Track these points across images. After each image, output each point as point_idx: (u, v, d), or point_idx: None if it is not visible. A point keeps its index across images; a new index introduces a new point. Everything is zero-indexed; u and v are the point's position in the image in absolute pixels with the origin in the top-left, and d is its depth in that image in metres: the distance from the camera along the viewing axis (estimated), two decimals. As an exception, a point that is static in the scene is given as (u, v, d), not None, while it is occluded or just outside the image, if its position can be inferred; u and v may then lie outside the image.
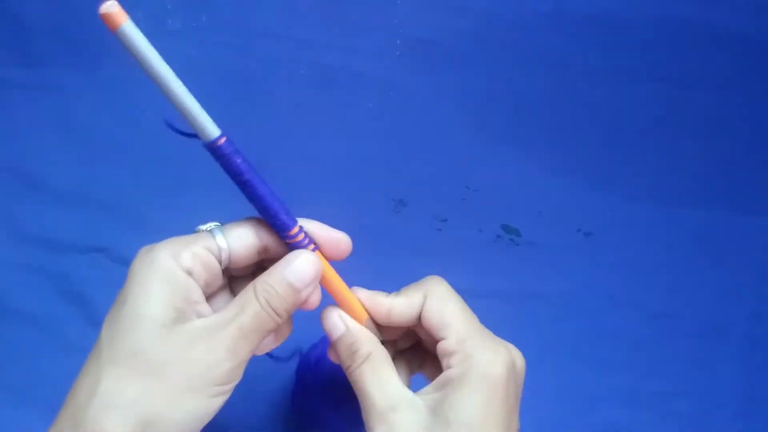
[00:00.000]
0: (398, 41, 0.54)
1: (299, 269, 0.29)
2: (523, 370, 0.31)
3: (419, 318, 0.31)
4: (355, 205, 0.51)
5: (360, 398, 0.30)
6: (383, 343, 0.32)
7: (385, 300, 0.32)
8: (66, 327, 0.47)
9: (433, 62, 0.54)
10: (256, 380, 0.47)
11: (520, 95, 0.54)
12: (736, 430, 0.50)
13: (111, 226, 0.49)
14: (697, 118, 0.55)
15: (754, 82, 0.56)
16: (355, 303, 0.32)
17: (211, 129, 0.28)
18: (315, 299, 0.31)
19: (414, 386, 0.31)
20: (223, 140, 0.28)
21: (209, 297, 0.31)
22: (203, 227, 0.31)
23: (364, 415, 0.30)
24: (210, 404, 0.27)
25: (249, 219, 0.31)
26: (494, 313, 0.42)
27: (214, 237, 0.30)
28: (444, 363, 0.30)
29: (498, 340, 0.31)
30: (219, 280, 0.31)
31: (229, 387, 0.28)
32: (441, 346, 0.30)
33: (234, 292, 0.33)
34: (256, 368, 0.34)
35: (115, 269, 0.48)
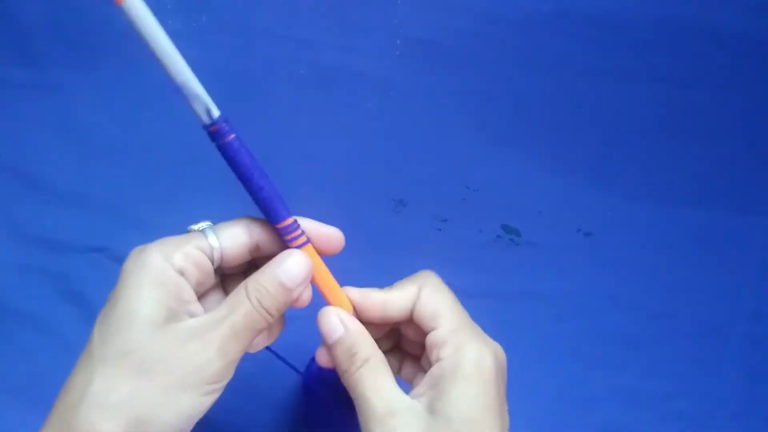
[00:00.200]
0: (398, 41, 0.54)
1: (290, 269, 0.29)
2: (506, 363, 0.31)
3: (412, 311, 0.31)
4: (355, 205, 0.51)
5: (357, 402, 0.30)
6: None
7: (379, 295, 0.32)
8: (66, 327, 0.47)
9: (433, 62, 0.54)
10: (262, 384, 0.47)
11: (520, 95, 0.54)
12: (736, 430, 0.50)
13: (111, 226, 0.49)
14: (697, 118, 0.55)
15: (754, 82, 0.56)
16: (347, 303, 0.32)
17: (212, 109, 0.27)
18: (306, 297, 0.31)
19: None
20: (221, 121, 0.28)
21: (201, 296, 0.31)
22: (195, 227, 0.31)
23: (361, 420, 0.29)
24: (201, 402, 0.27)
25: (241, 218, 0.31)
26: (494, 313, 0.42)
27: (206, 237, 0.30)
28: (434, 355, 0.30)
29: (483, 335, 0.31)
30: (211, 279, 0.31)
31: (220, 385, 0.28)
32: (432, 337, 0.30)
33: (226, 291, 0.33)
34: (263, 372, 0.34)
35: (115, 269, 0.47)
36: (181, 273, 0.29)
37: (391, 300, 0.32)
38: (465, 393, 0.28)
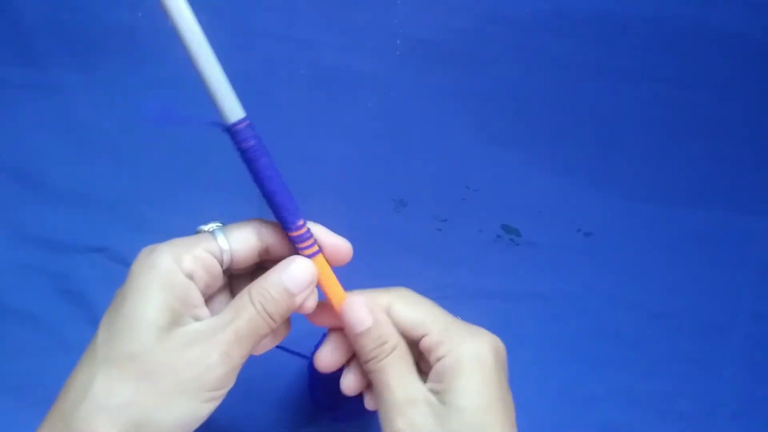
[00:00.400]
0: (398, 41, 0.54)
1: (295, 274, 0.29)
2: (505, 354, 0.32)
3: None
4: (355, 205, 0.51)
5: (379, 389, 0.30)
6: None
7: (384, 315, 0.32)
8: (66, 327, 0.47)
9: (433, 62, 0.54)
10: (263, 380, 0.47)
11: (520, 95, 0.54)
12: (736, 430, 0.50)
13: (111, 226, 0.49)
14: (697, 118, 0.55)
15: (754, 82, 0.56)
16: (343, 295, 0.32)
17: (236, 110, 0.27)
18: (311, 304, 0.31)
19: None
20: (245, 124, 0.27)
21: (209, 297, 0.31)
22: (205, 228, 0.31)
23: (381, 407, 0.30)
24: (201, 409, 0.27)
25: (250, 220, 0.31)
26: (494, 313, 0.42)
27: (215, 238, 0.30)
28: (432, 357, 0.30)
29: (476, 327, 0.32)
30: (219, 281, 0.31)
31: (222, 392, 0.28)
32: (425, 342, 0.31)
33: (233, 291, 0.33)
34: (263, 368, 0.34)
35: (115, 269, 0.48)
36: (190, 276, 0.28)
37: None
38: (470, 384, 0.29)
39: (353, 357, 0.33)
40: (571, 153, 0.54)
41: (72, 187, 0.50)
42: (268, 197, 0.29)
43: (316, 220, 0.32)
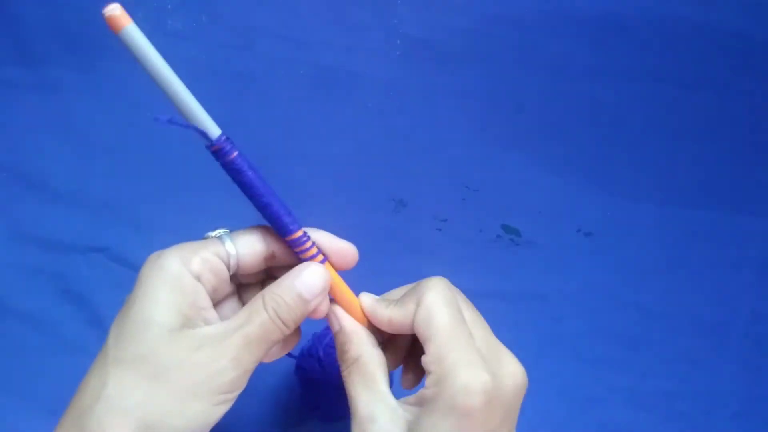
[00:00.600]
0: (398, 41, 0.54)
1: (308, 281, 0.29)
2: (518, 390, 0.29)
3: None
4: (355, 205, 0.51)
5: (348, 399, 0.30)
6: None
7: (385, 312, 0.31)
8: (66, 327, 0.47)
9: (433, 62, 0.54)
10: (251, 380, 0.47)
11: (520, 95, 0.54)
12: (736, 430, 0.50)
13: (111, 226, 0.49)
14: (697, 118, 0.56)
15: (754, 82, 0.56)
16: (361, 316, 0.32)
17: (213, 130, 0.28)
18: (323, 309, 0.31)
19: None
20: (223, 141, 0.28)
21: (217, 304, 0.31)
22: (212, 234, 0.31)
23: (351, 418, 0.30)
24: (213, 412, 0.27)
25: (257, 226, 0.31)
26: (494, 313, 0.42)
27: (223, 243, 0.30)
28: (425, 379, 0.29)
29: (484, 359, 0.28)
30: (227, 286, 0.31)
31: (233, 395, 0.28)
32: (422, 361, 0.29)
33: (242, 300, 0.33)
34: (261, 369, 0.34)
35: (114, 269, 0.48)
36: (198, 278, 0.29)
37: (395, 318, 0.31)
38: (438, 427, 0.27)
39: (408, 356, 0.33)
40: (571, 153, 0.54)
41: (72, 187, 0.50)
42: (257, 208, 0.30)
43: (316, 221, 0.32)
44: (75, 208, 0.49)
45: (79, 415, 0.26)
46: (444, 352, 0.28)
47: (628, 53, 0.56)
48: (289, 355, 0.41)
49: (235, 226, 0.32)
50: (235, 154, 0.28)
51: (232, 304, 0.32)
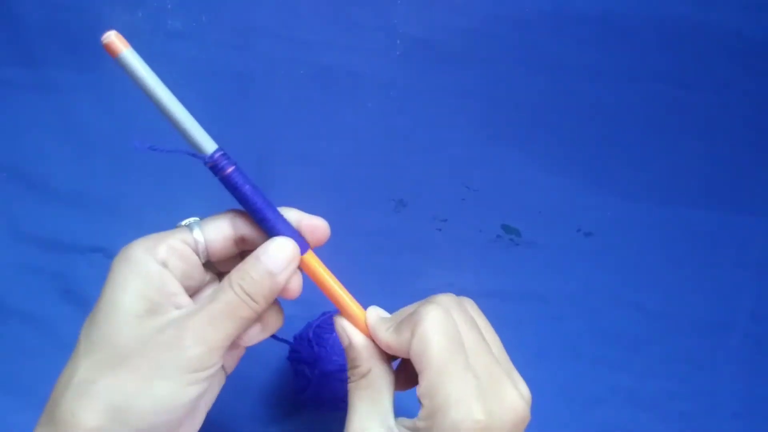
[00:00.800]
0: (398, 41, 0.54)
1: (275, 254, 0.29)
2: (517, 425, 0.27)
3: None
4: (355, 205, 0.51)
5: (348, 409, 0.30)
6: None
7: (384, 335, 0.30)
8: (66, 327, 0.47)
9: (433, 62, 0.54)
10: (244, 368, 0.47)
11: (520, 95, 0.54)
12: (736, 430, 0.50)
13: (111, 226, 0.49)
14: (697, 118, 0.55)
15: (754, 82, 0.56)
16: (356, 311, 0.32)
17: (208, 146, 0.29)
18: (294, 287, 0.30)
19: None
20: (218, 157, 0.29)
21: (196, 292, 0.31)
22: (183, 222, 0.31)
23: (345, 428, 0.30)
24: (183, 392, 0.27)
25: (226, 211, 0.31)
26: (494, 313, 0.42)
27: (191, 230, 0.30)
28: (419, 410, 0.28)
29: (481, 394, 0.27)
30: (200, 272, 0.31)
31: (204, 375, 0.28)
32: (417, 393, 0.28)
33: None
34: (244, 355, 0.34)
35: (115, 269, 0.48)
36: (164, 265, 0.29)
37: (392, 345, 0.30)
38: None
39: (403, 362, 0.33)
40: (571, 153, 0.54)
41: (72, 187, 0.50)
42: (256, 222, 0.30)
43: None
44: (75, 208, 0.49)
45: (51, 405, 0.27)
46: (435, 386, 0.27)
47: (628, 53, 0.56)
48: (283, 340, 0.41)
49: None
50: (231, 169, 0.29)
51: (211, 292, 0.32)
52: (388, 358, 0.31)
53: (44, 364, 0.46)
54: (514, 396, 0.28)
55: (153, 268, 0.28)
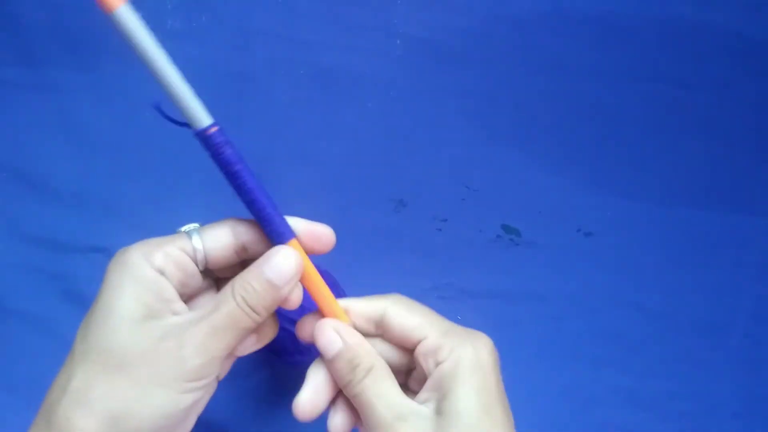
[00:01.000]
0: (398, 41, 0.54)
1: (278, 266, 0.29)
2: (497, 355, 0.31)
3: (378, 326, 0.31)
4: (355, 205, 0.51)
5: (363, 412, 0.29)
6: None
7: (343, 302, 0.31)
8: (66, 327, 0.46)
9: (433, 62, 0.54)
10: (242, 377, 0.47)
11: (520, 95, 0.54)
12: (736, 430, 0.50)
13: (111, 226, 0.49)
14: (697, 118, 0.55)
15: (754, 82, 0.56)
16: (340, 311, 0.31)
17: (203, 117, 0.27)
18: (296, 298, 0.30)
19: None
20: (214, 129, 0.28)
21: (192, 298, 0.31)
22: (183, 228, 0.31)
23: (368, 429, 0.29)
24: (180, 400, 0.27)
25: (227, 219, 0.31)
26: (494, 313, 0.42)
27: (190, 238, 0.30)
28: (430, 362, 0.30)
29: (470, 330, 0.31)
30: (197, 280, 0.31)
31: (202, 384, 0.28)
32: (423, 346, 0.30)
33: None
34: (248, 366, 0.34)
35: (115, 269, 0.48)
36: (162, 272, 0.28)
37: (354, 308, 0.31)
38: (470, 389, 0.28)
39: (337, 396, 0.32)
40: (572, 153, 0.54)
41: (72, 187, 0.50)
42: (244, 201, 0.29)
43: (316, 221, 0.32)
44: (75, 208, 0.49)
45: (47, 410, 0.27)
46: (444, 329, 0.30)
47: (628, 53, 0.56)
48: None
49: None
50: (224, 144, 0.28)
51: (209, 298, 0.32)
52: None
53: (44, 364, 0.46)
54: (484, 335, 0.31)
55: (150, 276, 0.28)
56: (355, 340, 0.31)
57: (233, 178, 0.29)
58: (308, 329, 0.31)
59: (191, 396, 0.28)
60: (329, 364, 0.30)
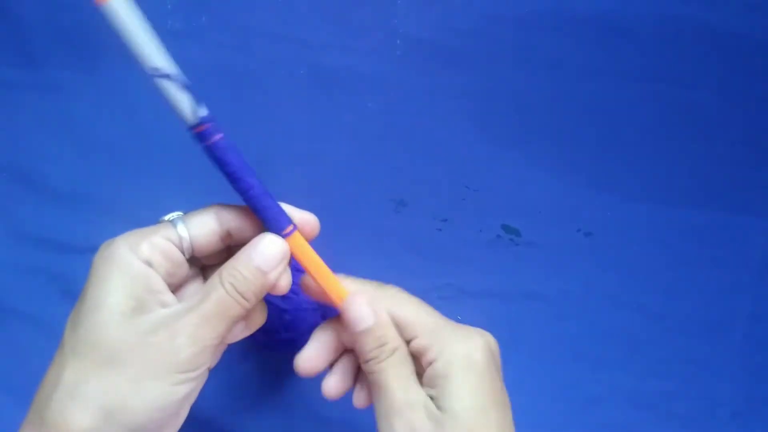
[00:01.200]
0: (398, 41, 0.54)
1: (265, 251, 0.29)
2: (498, 351, 0.31)
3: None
4: (355, 205, 0.51)
5: (377, 391, 0.30)
6: None
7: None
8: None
9: (433, 62, 0.54)
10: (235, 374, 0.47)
11: (520, 95, 0.54)
12: (736, 430, 0.50)
13: (111, 226, 0.48)
14: (697, 118, 0.55)
15: (754, 82, 0.56)
16: (345, 292, 0.31)
17: (199, 110, 0.27)
18: (284, 283, 0.30)
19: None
20: (208, 124, 0.28)
21: (179, 287, 0.31)
22: (166, 217, 0.31)
23: (379, 408, 0.30)
24: (174, 392, 0.27)
25: (211, 206, 0.31)
26: (494, 313, 0.42)
27: (175, 226, 0.30)
28: (423, 362, 0.30)
29: (467, 327, 0.31)
30: (184, 269, 0.31)
31: (195, 374, 0.28)
32: (414, 346, 0.30)
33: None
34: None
35: (115, 269, 0.48)
36: (149, 263, 0.28)
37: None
38: (463, 387, 0.28)
39: (337, 360, 0.33)
40: (571, 153, 0.54)
41: (72, 187, 0.50)
42: (242, 196, 0.29)
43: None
44: (75, 208, 0.49)
45: (40, 406, 0.27)
46: (434, 327, 0.30)
47: (628, 53, 0.56)
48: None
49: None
50: (218, 137, 0.28)
51: (196, 286, 0.32)
52: None
53: (44, 364, 0.46)
54: (481, 332, 0.31)
55: (137, 267, 0.28)
56: (386, 318, 0.31)
57: (225, 166, 0.29)
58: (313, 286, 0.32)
59: (184, 387, 0.28)
60: (357, 336, 0.30)
